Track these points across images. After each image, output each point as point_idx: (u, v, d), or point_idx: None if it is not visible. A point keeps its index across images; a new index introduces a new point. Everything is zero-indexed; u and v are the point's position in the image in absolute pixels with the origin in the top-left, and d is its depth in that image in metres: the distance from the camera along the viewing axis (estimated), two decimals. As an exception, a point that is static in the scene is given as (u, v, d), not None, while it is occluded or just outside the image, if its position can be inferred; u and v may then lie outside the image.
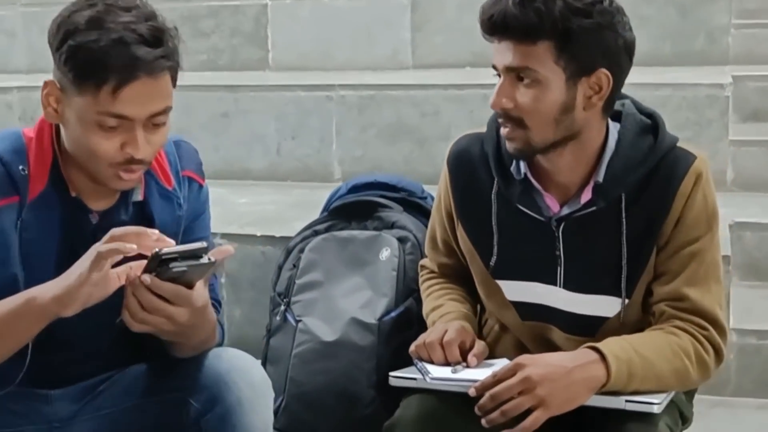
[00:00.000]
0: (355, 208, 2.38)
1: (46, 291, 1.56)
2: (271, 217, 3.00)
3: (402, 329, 2.18)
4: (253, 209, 3.15)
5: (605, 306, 1.80)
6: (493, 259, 1.85)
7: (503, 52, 1.69)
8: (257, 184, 3.61)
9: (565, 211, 1.78)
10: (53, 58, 1.62)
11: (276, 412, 2.14)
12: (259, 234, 2.73)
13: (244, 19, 4.42)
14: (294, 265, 2.33)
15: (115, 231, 1.55)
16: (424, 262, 2.06)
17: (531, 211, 1.79)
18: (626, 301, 1.78)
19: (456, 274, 1.97)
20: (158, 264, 1.52)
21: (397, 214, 2.34)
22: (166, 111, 1.63)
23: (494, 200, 1.83)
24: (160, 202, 1.77)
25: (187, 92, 3.74)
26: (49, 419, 1.81)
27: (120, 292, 1.60)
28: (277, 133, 3.63)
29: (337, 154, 3.56)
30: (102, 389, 1.85)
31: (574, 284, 1.81)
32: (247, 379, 1.72)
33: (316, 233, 2.37)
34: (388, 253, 2.28)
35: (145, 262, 1.55)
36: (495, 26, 1.68)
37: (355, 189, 2.47)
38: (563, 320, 1.83)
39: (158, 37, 1.59)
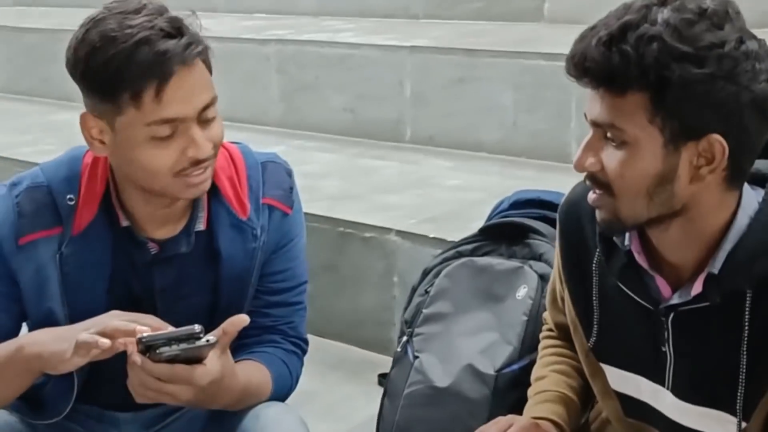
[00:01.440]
0: (506, 231, 2.08)
1: (34, 344, 1.49)
2: (463, 211, 2.75)
3: (522, 386, 1.85)
4: (453, 196, 2.92)
5: (718, 424, 1.42)
6: (592, 339, 1.52)
7: (591, 102, 1.33)
8: (489, 158, 3.36)
9: (675, 299, 1.40)
10: (80, 89, 1.51)
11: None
12: (431, 235, 2.51)
13: (522, -34, 4.11)
14: (426, 291, 2.09)
15: (108, 324, 1.44)
16: (545, 315, 1.76)
17: (634, 294, 1.43)
18: (743, 424, 1.38)
19: (569, 335, 1.64)
20: (146, 348, 1.40)
21: (547, 243, 2.01)
22: (213, 102, 1.50)
23: (595, 271, 1.49)
24: (229, 233, 1.63)
25: (424, 54, 3.58)
26: (118, 442, 1.78)
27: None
28: (514, 104, 3.33)
29: (575, 132, 3.19)
30: (172, 420, 1.78)
31: (683, 390, 1.45)
32: None
33: (459, 255, 2.10)
34: (524, 291, 1.97)
35: None
36: (576, 69, 1.32)
37: (516, 205, 2.16)
38: (669, 429, 1.47)
39: (178, 27, 1.47)
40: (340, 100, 3.74)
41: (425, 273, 2.13)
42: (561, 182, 2.14)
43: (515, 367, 1.90)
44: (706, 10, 1.27)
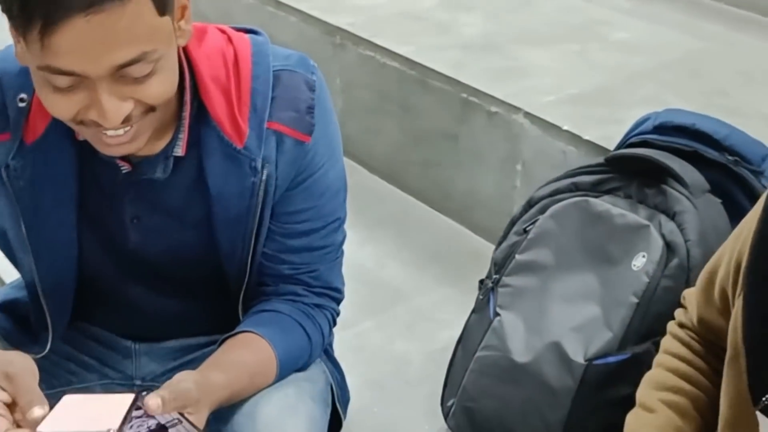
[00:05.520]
0: (641, 166, 1.60)
1: None
2: (621, 88, 2.23)
3: (616, 385, 1.48)
4: (615, 61, 2.37)
5: None
6: None
7: None
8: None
9: None
10: None
11: (449, 410, 1.68)
12: (564, 128, 2.03)
13: None
14: (525, 230, 1.67)
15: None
16: (688, 293, 1.30)
17: None
18: None
19: (717, 345, 1.20)
20: None
21: (687, 199, 1.52)
22: (142, 59, 1.09)
23: None
24: (221, 164, 1.29)
25: None
26: (130, 375, 1.56)
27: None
28: None
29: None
30: (190, 359, 1.53)
31: None
32: None
33: (575, 188, 1.65)
34: (642, 262, 1.51)
35: None
36: None
37: (663, 129, 1.66)
38: None
39: None
40: None
41: (529, 204, 1.69)
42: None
43: (611, 360, 1.49)
44: None
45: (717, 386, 1.17)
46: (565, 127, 2.02)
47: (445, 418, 1.70)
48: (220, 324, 1.43)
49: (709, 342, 1.24)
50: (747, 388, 1.05)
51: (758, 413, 1.06)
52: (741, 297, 1.05)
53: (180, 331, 1.53)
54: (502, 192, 2.20)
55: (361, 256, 2.21)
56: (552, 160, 2.03)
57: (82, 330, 1.53)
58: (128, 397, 1.12)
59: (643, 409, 1.25)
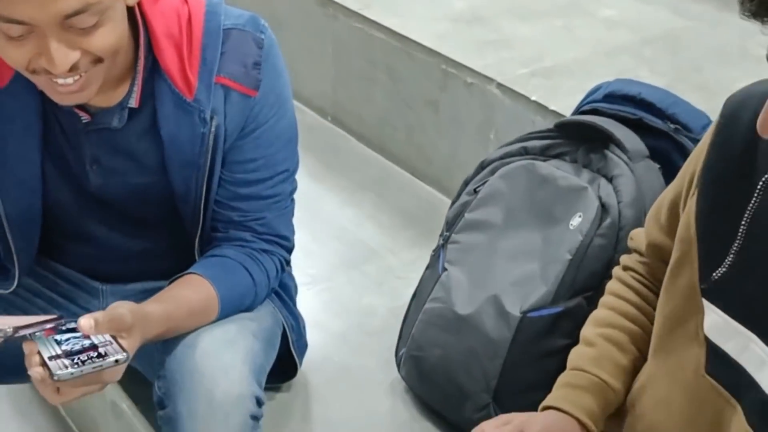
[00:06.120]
0: (587, 132, 1.67)
1: None
2: (596, 62, 2.29)
3: (550, 337, 1.56)
4: (595, 36, 2.43)
5: None
6: (721, 271, 1.13)
7: None
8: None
9: None
10: None
11: (400, 359, 1.77)
12: (533, 98, 2.09)
13: None
14: (475, 191, 1.75)
15: None
16: (635, 232, 1.40)
17: None
18: None
19: (662, 267, 1.28)
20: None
21: (625, 164, 1.59)
22: (87, 10, 1.19)
23: (759, 193, 1.09)
24: (173, 113, 1.39)
25: None
26: (97, 315, 1.66)
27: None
28: None
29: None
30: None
31: None
32: (206, 390, 1.36)
33: (524, 152, 1.73)
34: (578, 221, 1.59)
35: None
36: None
37: (611, 98, 1.72)
38: (755, 407, 1.11)
39: None
40: None
41: (482, 166, 1.78)
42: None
43: (544, 313, 1.57)
44: None
45: (654, 322, 1.26)
46: (533, 98, 2.09)
47: (398, 368, 1.79)
48: (182, 268, 1.52)
49: (651, 271, 1.33)
50: (697, 272, 1.14)
51: (704, 300, 1.14)
52: (695, 195, 1.16)
53: (143, 273, 1.63)
54: (476, 160, 2.26)
55: (341, 217, 2.30)
56: (522, 129, 2.09)
57: (51, 268, 1.64)
58: (49, 317, 1.23)
59: (584, 343, 1.35)
